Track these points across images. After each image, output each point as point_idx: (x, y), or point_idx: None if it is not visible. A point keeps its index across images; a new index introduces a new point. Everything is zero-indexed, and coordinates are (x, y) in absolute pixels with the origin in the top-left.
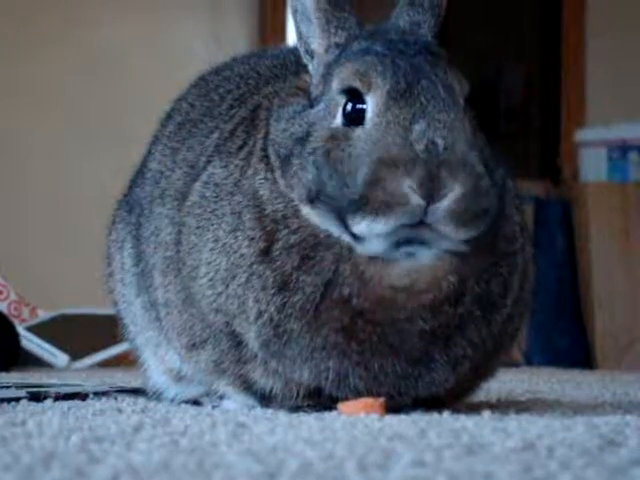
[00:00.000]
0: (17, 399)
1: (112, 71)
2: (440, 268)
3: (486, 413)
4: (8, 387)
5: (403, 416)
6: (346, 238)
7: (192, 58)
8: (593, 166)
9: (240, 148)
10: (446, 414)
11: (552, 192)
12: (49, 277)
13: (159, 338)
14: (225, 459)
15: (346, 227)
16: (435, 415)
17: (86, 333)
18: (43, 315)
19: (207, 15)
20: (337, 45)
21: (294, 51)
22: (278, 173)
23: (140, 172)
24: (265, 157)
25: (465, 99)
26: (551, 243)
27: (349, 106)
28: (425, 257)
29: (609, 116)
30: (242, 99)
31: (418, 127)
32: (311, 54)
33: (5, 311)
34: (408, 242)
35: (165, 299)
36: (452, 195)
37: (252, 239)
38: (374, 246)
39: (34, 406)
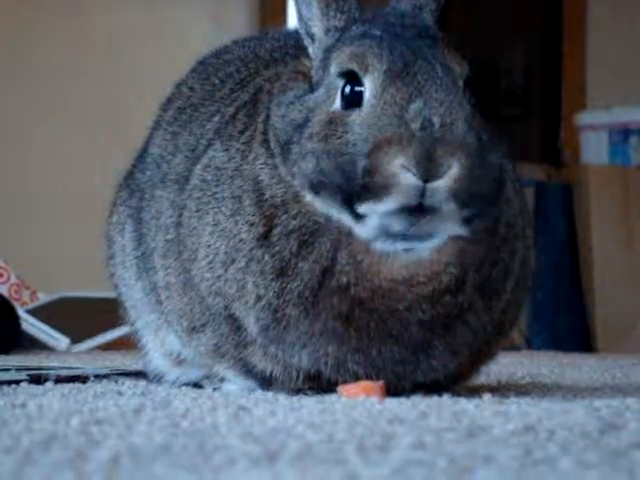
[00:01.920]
0: (17, 382)
1: (112, 57)
2: (440, 261)
3: (486, 396)
4: (8, 370)
5: (403, 399)
6: (347, 221)
7: (192, 45)
8: (594, 149)
9: (241, 132)
10: (446, 397)
11: (553, 175)
12: (50, 260)
13: (159, 321)
14: (225, 441)
15: (350, 209)
16: (435, 398)
17: (87, 316)
18: (44, 298)
19: (207, 1)
20: (337, 28)
21: (294, 34)
22: (279, 159)
23: (141, 157)
24: (266, 141)
25: (465, 81)
26: (552, 226)
27: (347, 89)
28: (424, 250)
29: (610, 99)
30: (243, 83)
31: (414, 106)
32: (312, 37)
33: (5, 294)
34: (406, 237)
35: (165, 282)
36: (451, 173)
37: (252, 224)
38: (373, 223)
39: (34, 389)
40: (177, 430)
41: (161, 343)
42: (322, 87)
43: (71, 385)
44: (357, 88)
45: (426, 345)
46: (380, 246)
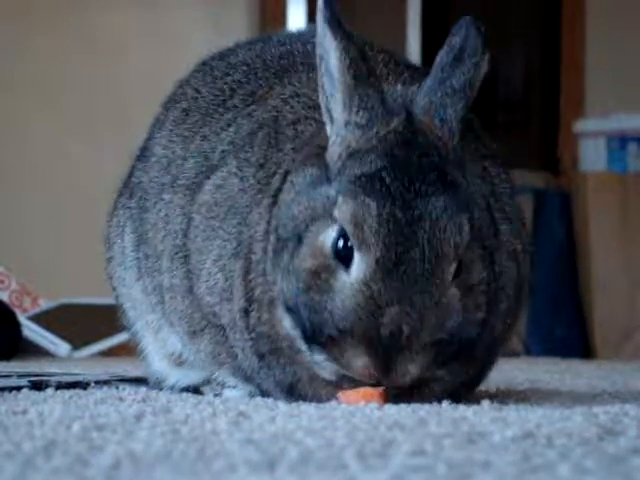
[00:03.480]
0: (18, 388)
1: (112, 60)
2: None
3: (485, 402)
4: (9, 376)
5: (403, 405)
6: (310, 360)
7: (192, 47)
8: (592, 157)
9: (260, 166)
10: (445, 403)
11: (551, 183)
12: (50, 266)
13: (160, 322)
14: (226, 448)
15: (309, 348)
16: (435, 404)
17: (87, 322)
18: (44, 304)
19: (207, 5)
20: (357, 125)
21: (300, 37)
22: (270, 255)
23: (143, 156)
24: (272, 206)
25: (465, 243)
26: (550, 233)
27: (340, 243)
28: None
29: (608, 107)
30: (257, 97)
31: (390, 312)
32: (330, 114)
33: (6, 300)
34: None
35: (170, 284)
36: (408, 376)
37: (238, 290)
38: (328, 375)
39: (35, 395)
40: (177, 436)
41: (162, 344)
42: (333, 189)
43: (72, 391)
44: (350, 243)
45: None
46: (346, 386)
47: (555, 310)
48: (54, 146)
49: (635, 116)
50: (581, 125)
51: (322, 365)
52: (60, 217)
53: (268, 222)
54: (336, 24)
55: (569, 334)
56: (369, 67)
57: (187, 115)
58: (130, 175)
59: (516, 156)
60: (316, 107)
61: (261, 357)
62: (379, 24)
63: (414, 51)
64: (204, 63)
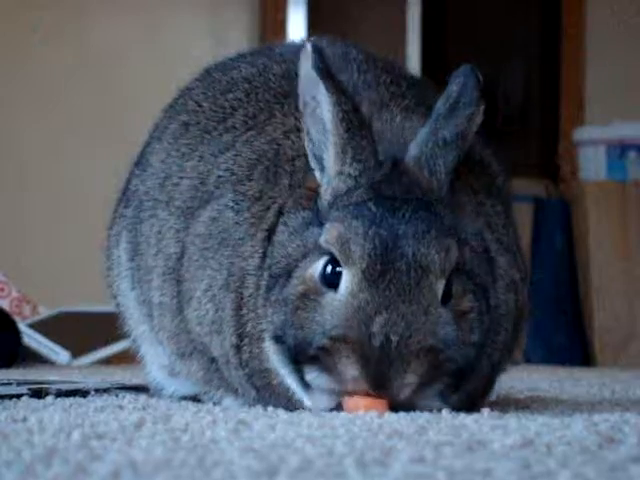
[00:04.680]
0: (18, 396)
1: (111, 70)
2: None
3: (485, 410)
4: (9, 384)
5: (402, 413)
6: (296, 389)
7: (191, 57)
8: (592, 165)
9: (256, 200)
10: (445, 411)
11: (551, 191)
12: (50, 274)
13: (151, 334)
14: (225, 456)
15: (299, 373)
16: (435, 412)
17: (87, 330)
18: (44, 312)
19: (207, 14)
20: (350, 176)
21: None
22: (262, 291)
23: (140, 164)
24: (265, 241)
25: (453, 265)
26: (550, 241)
27: (328, 269)
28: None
29: (608, 115)
30: (257, 122)
31: (379, 320)
32: (320, 162)
33: (7, 308)
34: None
35: (159, 301)
36: (402, 385)
37: (229, 325)
38: (321, 400)
39: (35, 403)
40: (177, 445)
41: (156, 354)
42: (320, 228)
43: (72, 399)
44: (338, 269)
45: None
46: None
47: (555, 318)
48: (54, 154)
49: (635, 124)
50: (581, 133)
51: (308, 397)
52: (60, 225)
53: (261, 257)
54: (327, 74)
55: (569, 342)
56: (361, 119)
57: (187, 130)
58: (128, 182)
59: (516, 164)
60: None
61: (257, 390)
62: (379, 29)
63: (414, 55)
64: (208, 72)
